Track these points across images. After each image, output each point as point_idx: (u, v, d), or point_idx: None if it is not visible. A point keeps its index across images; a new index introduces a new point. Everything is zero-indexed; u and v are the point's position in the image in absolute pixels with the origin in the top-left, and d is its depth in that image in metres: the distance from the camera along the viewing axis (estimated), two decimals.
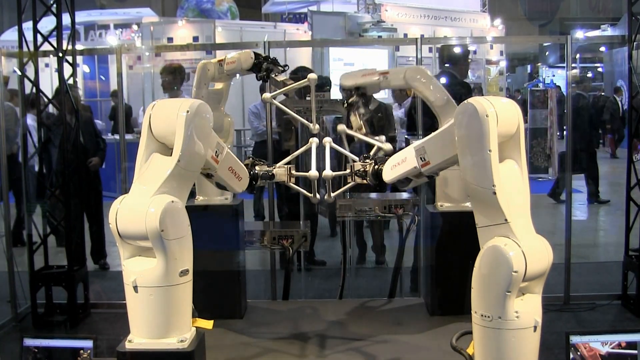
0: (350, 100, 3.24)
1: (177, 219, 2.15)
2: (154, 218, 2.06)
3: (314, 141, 2.96)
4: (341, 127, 3.13)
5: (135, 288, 2.14)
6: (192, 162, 2.24)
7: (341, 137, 3.18)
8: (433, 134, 2.39)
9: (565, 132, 5.18)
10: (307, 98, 3.20)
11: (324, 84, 6.09)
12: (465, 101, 2.11)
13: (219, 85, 3.58)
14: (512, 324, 1.96)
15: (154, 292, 2.13)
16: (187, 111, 2.19)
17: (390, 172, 2.62)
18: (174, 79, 5.48)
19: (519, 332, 1.97)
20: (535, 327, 1.99)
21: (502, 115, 2.06)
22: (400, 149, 5.71)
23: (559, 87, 14.61)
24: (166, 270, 2.12)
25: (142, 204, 2.10)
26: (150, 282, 2.13)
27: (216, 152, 2.43)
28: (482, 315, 2.00)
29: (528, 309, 1.99)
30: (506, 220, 1.99)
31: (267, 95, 3.02)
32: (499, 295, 1.95)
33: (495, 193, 1.99)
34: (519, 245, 1.95)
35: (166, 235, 2.09)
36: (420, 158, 2.37)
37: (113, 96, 10.10)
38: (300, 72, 5.50)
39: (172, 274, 2.13)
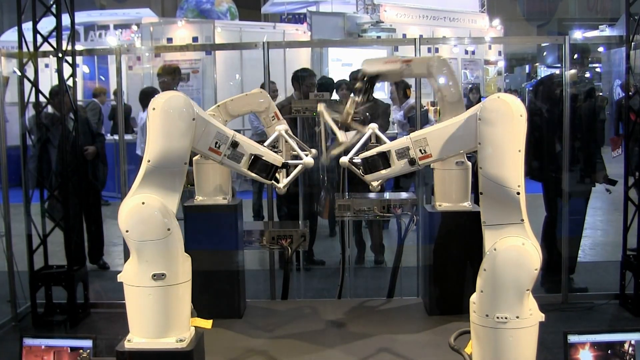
0: (356, 86, 3.18)
1: (147, 221, 2.09)
2: (121, 219, 2.10)
3: (280, 130, 2.81)
4: (320, 106, 2.99)
5: (123, 284, 2.17)
6: (165, 159, 2.14)
7: (319, 121, 3.08)
8: (438, 125, 2.32)
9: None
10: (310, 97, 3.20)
11: (328, 84, 6.13)
12: (496, 97, 2.08)
13: None
14: (527, 322, 2.00)
15: (130, 291, 2.15)
16: (154, 108, 2.14)
17: (367, 152, 2.47)
18: (172, 80, 5.53)
19: (531, 329, 2.02)
20: (540, 322, 2.04)
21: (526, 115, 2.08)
22: None
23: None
24: (138, 271, 2.12)
25: (126, 204, 2.14)
26: (128, 281, 2.15)
27: (216, 143, 2.33)
28: (497, 318, 2.00)
29: (535, 306, 2.03)
30: (522, 220, 2.02)
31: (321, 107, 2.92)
32: (519, 294, 1.98)
33: (519, 193, 2.01)
34: (532, 244, 1.99)
35: (131, 236, 2.09)
36: (420, 149, 2.30)
37: (114, 95, 10.10)
38: (300, 73, 5.53)
39: (143, 276, 2.11)
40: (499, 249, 2.00)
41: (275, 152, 2.67)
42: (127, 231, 2.09)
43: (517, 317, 1.99)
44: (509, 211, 2.02)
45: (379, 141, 2.87)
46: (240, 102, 3.40)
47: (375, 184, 2.59)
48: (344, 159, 2.67)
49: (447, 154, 2.30)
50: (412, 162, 2.34)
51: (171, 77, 5.54)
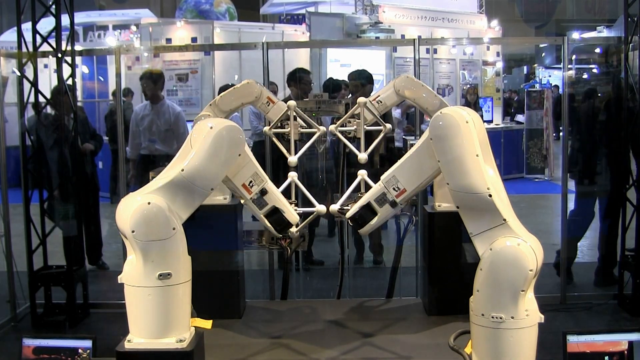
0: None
1: (153, 221, 2.11)
2: (126, 218, 2.09)
3: (292, 176, 2.84)
4: (332, 127, 2.99)
5: (123, 284, 2.18)
6: (198, 177, 2.20)
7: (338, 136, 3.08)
8: (401, 161, 2.41)
9: (562, 134, 5.22)
10: (309, 99, 3.21)
11: (335, 84, 6.14)
12: (439, 114, 2.14)
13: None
14: (523, 323, 1.99)
15: (132, 291, 2.15)
16: (211, 127, 2.23)
17: (352, 210, 2.59)
18: (155, 86, 5.46)
19: (529, 329, 2.01)
20: (539, 324, 2.03)
21: (476, 122, 2.12)
22: (398, 149, 5.75)
23: (556, 86, 14.61)
24: (143, 271, 2.12)
25: (129, 204, 2.14)
26: (130, 281, 2.15)
27: (250, 182, 2.45)
28: (492, 317, 2.00)
29: (533, 306, 2.03)
30: (505, 220, 2.02)
31: (266, 129, 2.98)
32: (514, 295, 1.97)
33: (490, 195, 2.02)
34: (530, 244, 1.98)
35: (138, 236, 2.09)
36: (394, 188, 2.39)
37: (113, 96, 10.09)
38: (298, 74, 5.54)
39: (148, 276, 2.12)
40: (494, 249, 2.00)
41: (287, 147, 2.71)
42: (133, 231, 2.09)
43: (512, 318, 1.98)
44: (489, 216, 2.04)
45: (368, 187, 2.84)
46: (229, 97, 3.36)
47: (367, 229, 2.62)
48: (334, 207, 2.74)
49: (420, 182, 2.35)
50: (393, 204, 2.43)
51: (154, 82, 5.47)
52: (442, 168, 2.14)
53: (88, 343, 2.53)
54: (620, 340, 2.47)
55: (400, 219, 3.80)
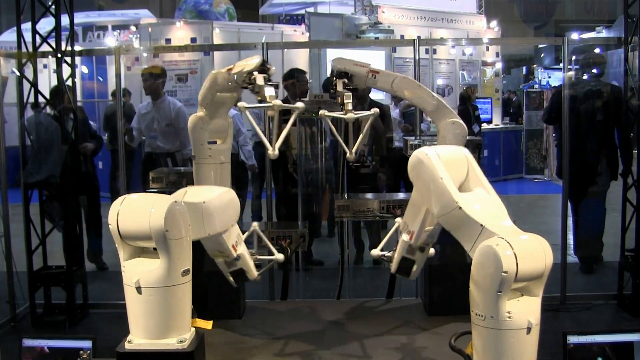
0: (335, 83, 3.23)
1: (180, 219, 2.17)
2: (158, 218, 2.08)
3: (254, 226, 3.15)
4: (322, 112, 2.99)
5: (139, 289, 2.15)
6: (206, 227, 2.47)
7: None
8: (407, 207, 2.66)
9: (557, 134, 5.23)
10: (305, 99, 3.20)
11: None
12: (410, 161, 2.34)
13: (226, 95, 3.49)
14: (504, 324, 1.95)
15: (155, 293, 2.15)
16: (204, 202, 2.47)
17: (393, 265, 2.92)
18: (155, 82, 5.46)
19: (511, 332, 1.96)
20: (529, 329, 1.96)
21: (443, 154, 2.27)
22: (398, 149, 5.75)
23: (555, 87, 14.62)
24: (169, 271, 2.14)
25: (146, 204, 2.14)
26: (155, 283, 2.14)
27: (236, 242, 2.74)
28: (476, 314, 2.02)
29: (522, 310, 1.97)
30: (482, 225, 2.05)
31: (242, 104, 2.94)
32: (491, 295, 1.94)
33: (460, 207, 2.10)
34: (511, 245, 1.92)
35: (170, 235, 2.11)
36: (407, 233, 2.58)
37: (113, 96, 10.07)
38: (295, 74, 5.53)
39: (175, 274, 2.15)
40: (478, 249, 2.01)
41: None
42: (167, 231, 2.11)
43: (492, 317, 1.95)
44: (468, 228, 2.11)
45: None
46: (203, 92, 3.30)
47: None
48: (375, 252, 3.09)
49: (419, 221, 2.51)
50: (421, 249, 2.71)
51: (155, 79, 5.49)
52: (429, 206, 2.32)
53: (88, 343, 2.52)
54: (620, 340, 2.47)
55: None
